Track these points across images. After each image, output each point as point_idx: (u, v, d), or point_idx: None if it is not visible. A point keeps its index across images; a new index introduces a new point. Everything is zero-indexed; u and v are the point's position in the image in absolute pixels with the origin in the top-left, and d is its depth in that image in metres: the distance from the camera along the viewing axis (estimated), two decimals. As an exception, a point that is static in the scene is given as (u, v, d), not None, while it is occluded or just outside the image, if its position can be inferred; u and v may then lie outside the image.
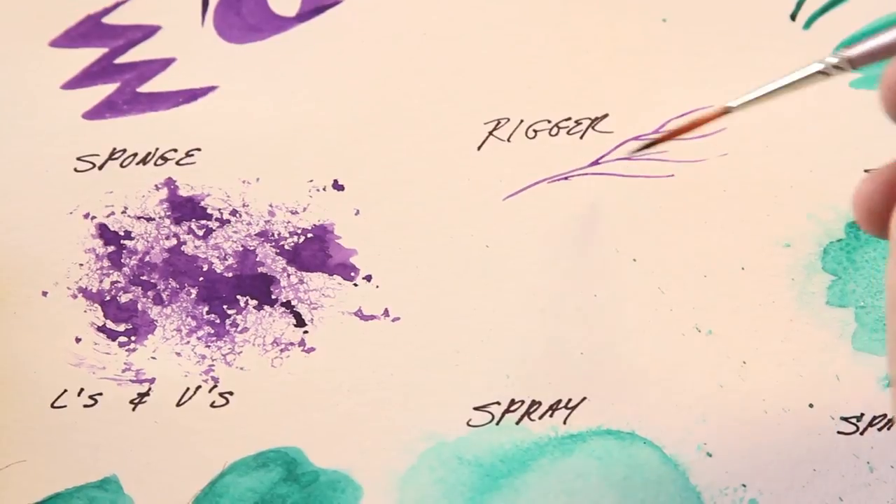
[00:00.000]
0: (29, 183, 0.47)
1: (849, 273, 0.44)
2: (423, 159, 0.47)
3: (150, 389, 0.44)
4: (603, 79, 0.48)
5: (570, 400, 0.43)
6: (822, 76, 0.37)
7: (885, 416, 0.42)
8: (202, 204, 0.47)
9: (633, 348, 0.43)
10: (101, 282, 0.46)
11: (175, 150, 0.48)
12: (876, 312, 0.43)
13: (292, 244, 0.46)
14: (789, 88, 0.39)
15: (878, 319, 0.43)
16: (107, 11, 0.51)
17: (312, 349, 0.44)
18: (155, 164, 0.48)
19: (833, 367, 0.42)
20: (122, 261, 0.46)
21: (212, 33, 0.50)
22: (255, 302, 0.45)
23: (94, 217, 0.47)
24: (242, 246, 0.46)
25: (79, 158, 0.48)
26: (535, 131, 0.47)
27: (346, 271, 0.45)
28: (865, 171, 0.45)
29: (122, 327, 0.45)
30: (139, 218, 0.47)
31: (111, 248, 0.46)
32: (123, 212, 0.47)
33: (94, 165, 0.48)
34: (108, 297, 0.45)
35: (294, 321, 0.45)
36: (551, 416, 0.42)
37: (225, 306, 0.45)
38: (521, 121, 0.48)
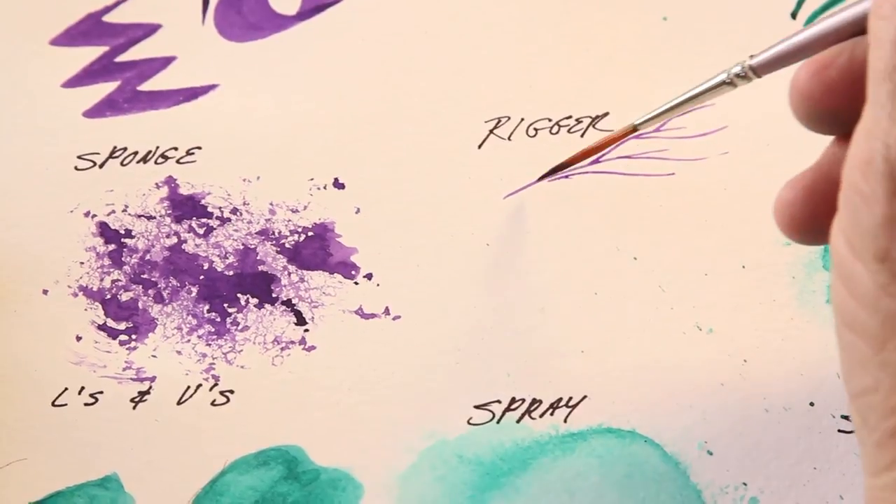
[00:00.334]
0: (29, 181, 0.47)
1: (849, 271, 0.44)
2: (423, 158, 0.47)
3: (150, 388, 0.44)
4: (604, 77, 0.48)
5: (570, 398, 0.43)
6: (728, 86, 0.37)
7: (885, 414, 0.42)
8: (203, 202, 0.47)
9: (634, 347, 0.43)
10: (101, 280, 0.46)
11: (175, 149, 0.48)
12: (877, 311, 0.43)
13: (293, 242, 0.46)
14: (695, 101, 0.39)
15: (878, 318, 0.43)
16: (107, 10, 0.51)
17: (313, 347, 0.44)
18: (155, 163, 0.48)
19: (834, 366, 0.42)
20: (123, 259, 0.46)
21: (212, 32, 0.50)
22: (255, 300, 0.45)
23: (94, 215, 0.47)
24: (243, 244, 0.46)
25: (79, 157, 0.48)
26: (536, 130, 0.47)
27: (347, 270, 0.45)
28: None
29: (122, 326, 0.45)
30: (140, 216, 0.47)
31: (112, 247, 0.46)
32: (124, 210, 0.47)
33: (95, 164, 0.48)
34: (108, 296, 0.45)
35: (295, 319, 0.45)
36: (552, 414, 0.42)
37: (225, 305, 0.45)
38: (522, 119, 0.48)
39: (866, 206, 0.27)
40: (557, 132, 0.47)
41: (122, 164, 0.48)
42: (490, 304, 0.44)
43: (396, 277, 0.45)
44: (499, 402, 0.43)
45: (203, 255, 0.46)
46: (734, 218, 0.45)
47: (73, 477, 0.42)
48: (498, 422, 0.42)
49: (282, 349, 0.44)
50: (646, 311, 0.44)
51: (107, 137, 0.48)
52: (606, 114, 0.47)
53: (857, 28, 0.32)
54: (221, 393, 0.43)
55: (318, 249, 0.46)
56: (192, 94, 0.49)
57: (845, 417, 0.42)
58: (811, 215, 0.36)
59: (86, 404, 0.43)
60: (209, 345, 0.44)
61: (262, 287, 0.45)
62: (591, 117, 0.47)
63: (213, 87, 0.49)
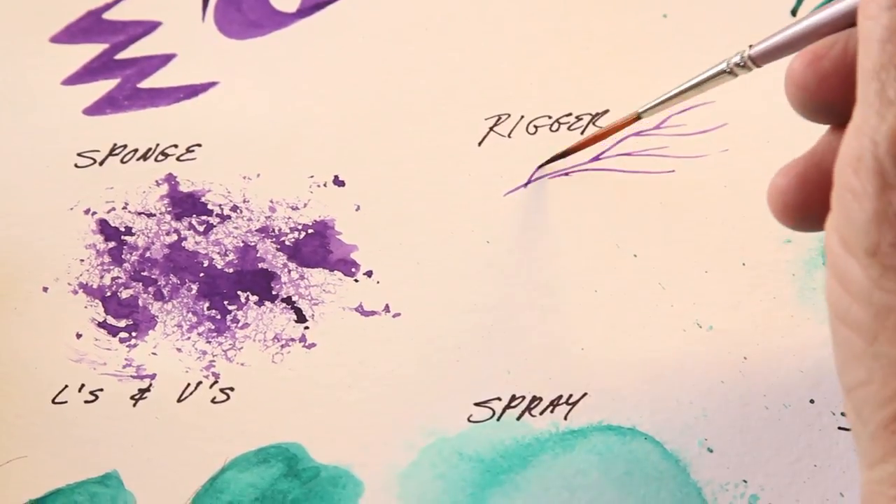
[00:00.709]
0: (29, 178, 0.47)
1: (850, 269, 0.44)
2: (423, 155, 0.47)
3: (150, 385, 0.44)
4: (604, 74, 0.48)
5: (570, 396, 0.43)
6: (728, 76, 0.38)
7: (885, 411, 0.42)
8: (203, 200, 0.47)
9: (634, 344, 0.43)
10: (101, 277, 0.46)
11: (175, 146, 0.48)
12: (877, 308, 0.43)
13: (293, 240, 0.46)
14: (696, 90, 0.39)
15: (878, 315, 0.43)
16: (107, 7, 0.51)
17: (313, 345, 0.44)
18: (155, 160, 0.48)
19: (834, 363, 0.42)
20: (123, 256, 0.46)
21: (212, 29, 0.50)
22: (255, 298, 0.45)
23: (94, 213, 0.47)
24: (243, 242, 0.46)
25: (79, 154, 0.48)
26: (536, 127, 0.47)
27: (347, 267, 0.45)
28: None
29: (122, 323, 0.45)
30: (140, 214, 0.47)
31: (112, 244, 0.46)
32: (124, 207, 0.47)
33: (95, 161, 0.48)
34: (108, 293, 0.45)
35: (295, 317, 0.45)
36: (552, 411, 0.42)
37: (226, 302, 0.45)
38: (522, 116, 0.48)
39: (857, 203, 0.28)
40: (557, 129, 0.47)
41: (122, 161, 0.48)
42: (490, 302, 0.44)
43: (396, 275, 0.45)
44: (499, 399, 0.43)
45: (203, 253, 0.46)
46: (734, 215, 0.45)
47: (73, 474, 0.42)
48: (498, 419, 0.42)
49: (282, 346, 0.44)
50: (646, 309, 0.44)
51: (107, 135, 0.48)
52: (606, 111, 0.47)
53: (852, 20, 0.33)
54: (221, 390, 0.43)
55: (318, 247, 0.46)
56: (192, 91, 0.49)
57: (845, 414, 0.42)
58: (804, 202, 0.36)
59: (86, 402, 0.43)
60: (209, 342, 0.44)
61: (262, 284, 0.45)
62: (591, 114, 0.47)
63: (213, 84, 0.49)
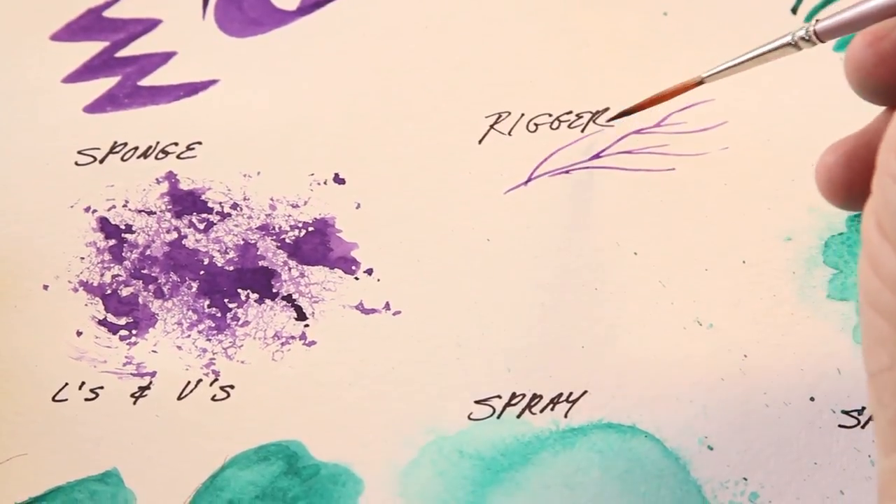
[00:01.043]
0: (30, 176, 0.47)
1: (850, 267, 0.44)
2: (424, 153, 0.47)
3: (150, 383, 0.44)
4: (604, 72, 0.48)
5: (571, 393, 0.43)
6: (792, 48, 0.38)
7: (886, 409, 0.42)
8: (203, 197, 0.47)
9: (634, 342, 0.43)
10: (101, 275, 0.46)
11: (176, 144, 0.48)
12: (877, 306, 0.43)
13: (293, 238, 0.46)
14: (760, 60, 0.39)
15: (879, 313, 0.43)
16: (108, 5, 0.51)
17: (313, 343, 0.44)
18: (156, 158, 0.48)
19: (834, 361, 0.42)
20: (123, 254, 0.46)
21: (213, 27, 0.50)
22: (255, 295, 0.45)
23: (94, 210, 0.47)
24: (243, 239, 0.46)
25: (80, 152, 0.48)
26: (536, 125, 0.47)
27: (347, 265, 0.45)
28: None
29: (123, 321, 0.45)
30: (140, 211, 0.47)
31: (112, 242, 0.46)
32: (124, 205, 0.47)
33: (95, 159, 0.48)
34: (108, 291, 0.45)
35: (295, 315, 0.45)
36: (552, 409, 0.42)
37: (226, 300, 0.45)
38: (522, 114, 0.48)
39: None
40: (558, 127, 0.47)
41: (122, 159, 0.48)
42: (490, 300, 0.44)
43: (397, 272, 0.45)
44: (499, 397, 0.43)
45: (203, 251, 0.46)
46: (734, 213, 0.45)
47: (73, 472, 0.42)
48: (498, 417, 0.42)
49: (282, 344, 0.44)
50: (646, 307, 0.44)
51: (107, 132, 0.48)
52: (607, 109, 0.47)
53: None
54: (222, 388, 0.43)
55: (318, 244, 0.46)
56: (192, 89, 0.49)
57: (846, 413, 0.42)
58: (850, 181, 0.36)
59: (86, 399, 0.43)
60: (209, 340, 0.44)
61: (262, 282, 0.45)
62: (591, 112, 0.47)
63: (213, 82, 0.49)
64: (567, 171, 0.46)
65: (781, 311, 0.43)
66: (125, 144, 0.48)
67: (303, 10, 0.50)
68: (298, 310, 0.45)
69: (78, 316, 0.45)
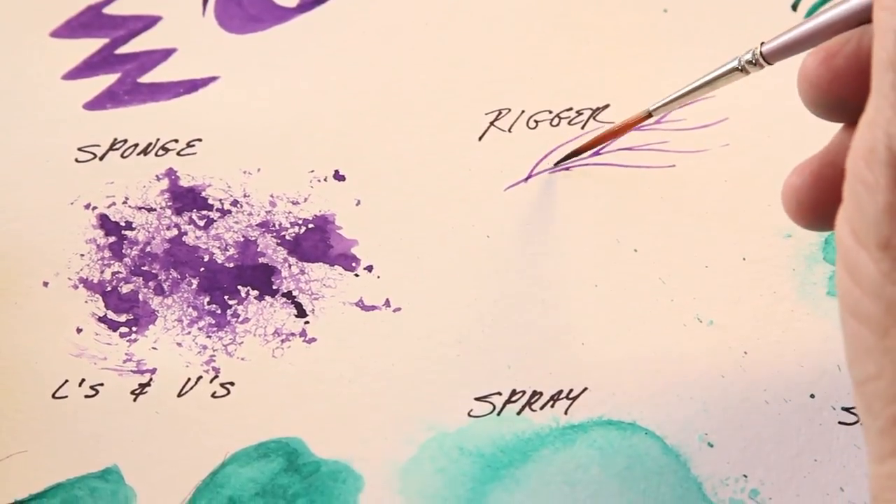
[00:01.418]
0: (30, 173, 0.47)
1: (850, 263, 0.44)
2: (424, 150, 0.47)
3: (151, 380, 0.43)
4: (604, 69, 0.48)
5: (571, 390, 0.43)
6: (739, 73, 0.38)
7: (886, 406, 0.42)
8: (203, 194, 0.47)
9: (635, 339, 0.43)
10: (102, 272, 0.46)
11: (176, 141, 0.48)
12: (877, 303, 0.43)
13: (293, 234, 0.46)
14: (707, 87, 0.39)
15: (879, 310, 0.43)
16: (108, 2, 0.51)
17: (313, 340, 0.44)
18: (156, 155, 0.48)
19: (834, 358, 0.42)
20: (123, 251, 0.46)
21: (213, 24, 0.50)
22: (256, 292, 0.45)
23: (94, 207, 0.47)
24: (243, 236, 0.46)
25: (80, 149, 0.48)
26: (537, 122, 0.47)
27: (348, 262, 0.45)
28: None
29: (123, 318, 0.45)
30: (140, 208, 0.47)
31: (112, 239, 0.46)
32: (124, 202, 0.47)
33: (95, 156, 0.48)
34: (109, 288, 0.45)
35: (295, 312, 0.45)
36: (552, 406, 0.42)
37: (226, 297, 0.45)
38: (523, 111, 0.47)
39: (869, 195, 0.28)
40: (558, 124, 0.47)
41: (122, 156, 0.48)
42: (490, 296, 0.44)
43: (397, 269, 0.45)
44: (499, 394, 0.43)
45: (203, 247, 0.46)
46: (735, 210, 0.45)
47: (73, 469, 0.42)
48: (498, 414, 0.42)
49: (282, 341, 0.44)
50: (646, 303, 0.44)
51: (107, 129, 0.48)
52: (607, 105, 0.47)
53: (865, 16, 0.33)
54: (222, 385, 0.43)
55: (318, 241, 0.46)
56: (192, 86, 0.49)
57: (846, 409, 0.42)
58: (818, 201, 0.36)
59: (86, 396, 0.43)
60: (209, 337, 0.44)
61: (262, 279, 0.45)
62: (591, 109, 0.47)
63: (213, 79, 0.49)
64: (567, 168, 0.46)
65: (782, 307, 0.43)
66: (125, 141, 0.48)
67: (303, 7, 0.50)
68: (298, 307, 0.45)
69: (78, 313, 0.45)
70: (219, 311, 0.45)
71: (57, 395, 0.43)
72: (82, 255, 0.46)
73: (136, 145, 0.48)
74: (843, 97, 0.33)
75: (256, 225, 0.46)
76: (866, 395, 0.29)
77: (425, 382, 0.43)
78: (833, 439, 0.41)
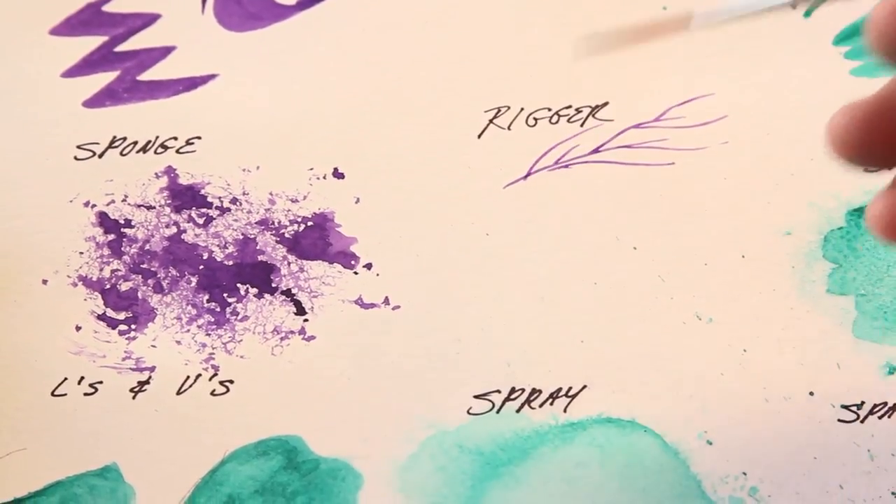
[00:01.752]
0: (29, 171, 0.47)
1: (849, 261, 0.44)
2: (423, 147, 0.47)
3: (150, 378, 0.44)
4: (603, 67, 0.48)
5: (570, 388, 0.43)
6: (789, 6, 0.37)
7: (885, 403, 0.42)
8: (202, 192, 0.47)
9: (634, 336, 0.43)
10: (101, 270, 0.46)
11: (175, 139, 0.48)
12: (876, 300, 0.43)
13: (292, 232, 0.46)
14: (755, 13, 0.38)
15: (878, 307, 0.43)
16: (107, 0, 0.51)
17: (313, 337, 0.44)
18: (155, 153, 0.48)
19: (834, 355, 0.42)
20: (123, 249, 0.46)
21: (212, 21, 0.50)
22: (255, 290, 0.45)
23: (94, 205, 0.47)
24: (242, 234, 0.46)
25: (79, 146, 0.48)
26: (536, 119, 0.47)
27: (347, 259, 0.45)
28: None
29: (122, 315, 0.45)
30: (139, 206, 0.47)
31: (111, 237, 0.46)
32: (123, 200, 0.47)
33: (95, 153, 0.48)
34: (108, 286, 0.45)
35: (294, 309, 0.45)
36: (552, 404, 0.42)
37: (225, 294, 0.45)
38: (522, 109, 0.47)
39: None
40: (557, 122, 0.47)
41: (121, 153, 0.48)
42: (490, 294, 0.44)
43: (396, 267, 0.45)
44: (498, 391, 0.43)
45: (203, 245, 0.46)
46: (734, 208, 0.45)
47: (72, 467, 0.42)
48: (498, 412, 0.42)
49: (281, 339, 0.44)
50: (646, 301, 0.44)
51: (106, 127, 0.48)
52: (606, 103, 0.47)
53: None
54: (221, 383, 0.43)
55: (317, 239, 0.46)
56: (191, 83, 0.49)
57: (845, 407, 0.42)
58: (868, 139, 0.35)
59: (85, 394, 0.43)
60: (209, 335, 0.44)
61: (261, 277, 0.45)
62: (590, 107, 0.47)
63: (212, 76, 0.49)
64: (567, 166, 0.46)
65: (781, 305, 0.43)
66: (124, 139, 0.48)
67: (302, 5, 0.50)
68: (298, 304, 0.45)
69: (77, 311, 0.45)
70: (218, 309, 0.45)
71: (56, 392, 0.43)
72: (81, 253, 0.46)
73: (136, 143, 0.48)
74: None
75: (255, 223, 0.46)
76: None
77: (424, 380, 0.43)
78: (832, 437, 0.41)
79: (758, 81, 0.46)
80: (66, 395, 0.43)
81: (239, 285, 0.45)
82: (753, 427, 0.41)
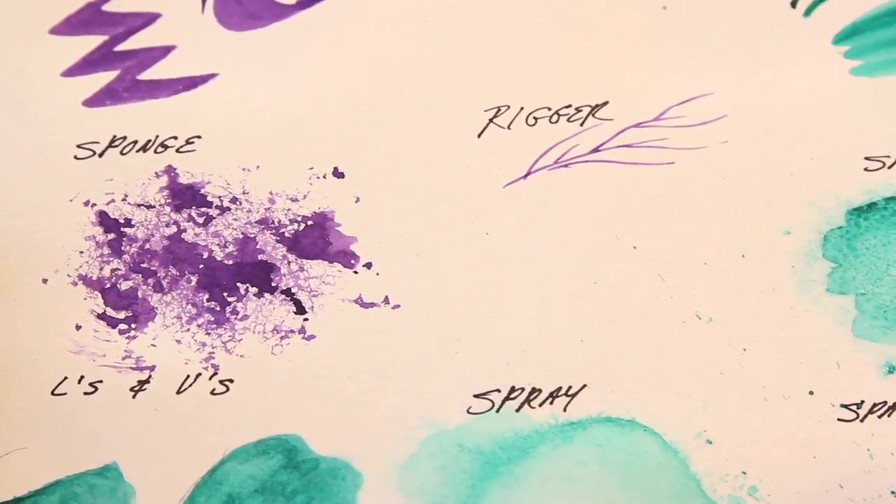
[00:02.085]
0: (29, 170, 0.47)
1: (849, 260, 0.44)
2: (423, 147, 0.47)
3: (150, 377, 0.44)
4: (603, 66, 0.48)
5: (570, 387, 0.43)
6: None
7: (885, 403, 0.42)
8: (202, 191, 0.47)
9: (634, 335, 0.43)
10: (101, 269, 0.46)
11: (175, 138, 0.48)
12: (876, 299, 0.43)
13: (292, 232, 0.46)
14: None
15: (878, 306, 0.43)
16: (107, -1, 0.51)
17: (312, 337, 0.44)
18: (155, 152, 0.48)
19: (833, 355, 0.42)
20: (123, 248, 0.46)
21: (212, 20, 0.50)
22: (255, 289, 0.45)
23: (94, 204, 0.47)
24: (242, 233, 0.46)
25: (79, 146, 0.48)
26: (536, 118, 0.47)
27: (347, 259, 0.45)
28: (866, 157, 0.45)
29: (122, 315, 0.45)
30: (139, 205, 0.47)
31: (111, 236, 0.46)
32: (123, 199, 0.47)
33: (94, 153, 0.48)
34: (108, 285, 0.45)
35: (294, 308, 0.45)
36: (551, 403, 0.42)
37: (225, 294, 0.45)
38: (522, 108, 0.47)
39: None
40: (557, 121, 0.47)
41: (121, 153, 0.48)
42: (489, 293, 0.44)
43: (396, 266, 0.45)
44: (498, 391, 0.43)
45: (202, 244, 0.46)
46: (734, 207, 0.45)
47: (72, 466, 0.42)
48: (497, 411, 0.42)
49: (281, 338, 0.44)
50: (645, 300, 0.44)
51: (106, 126, 0.48)
52: (606, 102, 0.47)
53: None
54: (221, 382, 0.43)
55: (317, 238, 0.46)
56: (191, 83, 0.49)
57: (845, 406, 0.42)
58: None
59: (85, 393, 0.43)
60: (209, 334, 0.44)
61: (261, 276, 0.45)
62: (590, 106, 0.47)
63: (212, 76, 0.49)
64: (566, 165, 0.46)
65: (781, 304, 0.43)
66: (124, 138, 0.48)
67: (302, 4, 0.50)
68: (297, 304, 0.45)
69: (77, 310, 0.45)
70: (218, 308, 0.45)
71: (56, 392, 0.43)
72: (81, 252, 0.46)
73: (136, 142, 0.48)
74: None
75: (255, 222, 0.46)
76: None
77: (424, 379, 0.43)
78: (832, 436, 0.41)
79: (757, 81, 0.46)
80: (65, 394, 0.43)
81: (239, 284, 0.45)
82: (753, 426, 0.41)
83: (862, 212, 0.44)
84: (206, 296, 0.45)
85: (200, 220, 0.46)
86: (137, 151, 0.48)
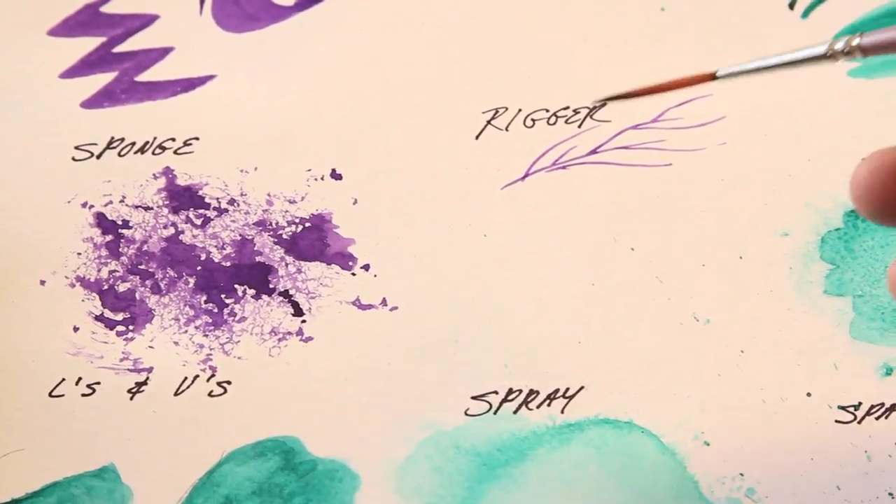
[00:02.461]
0: (27, 172, 0.47)
1: (847, 262, 0.44)
2: (421, 148, 0.47)
3: (147, 378, 0.44)
4: (601, 68, 0.48)
5: (567, 389, 0.43)
6: (825, 60, 0.36)
7: (882, 404, 0.42)
8: (200, 193, 0.47)
9: (631, 337, 0.43)
10: (98, 271, 0.46)
11: (173, 140, 0.48)
12: (874, 301, 0.43)
13: (290, 233, 0.46)
14: (786, 67, 0.38)
15: (875, 308, 0.43)
16: (105, 0, 0.51)
17: (310, 338, 0.44)
18: (153, 154, 0.48)
19: (831, 356, 0.42)
20: (120, 250, 0.46)
21: (210, 22, 0.50)
22: (252, 291, 0.45)
23: (92, 206, 0.47)
24: (240, 235, 0.46)
25: (77, 147, 0.48)
26: (534, 120, 0.47)
27: (344, 260, 0.45)
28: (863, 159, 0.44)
29: (119, 316, 0.45)
30: (137, 207, 0.47)
31: (109, 237, 0.46)
32: (121, 201, 0.47)
33: (92, 154, 0.48)
34: (105, 287, 0.45)
35: (292, 310, 0.45)
36: (549, 405, 0.42)
37: (223, 295, 0.45)
38: (520, 110, 0.47)
39: None
40: (555, 123, 0.47)
41: (119, 154, 0.48)
42: (487, 295, 0.44)
43: (393, 268, 0.45)
44: (496, 392, 0.43)
45: (200, 246, 0.46)
46: (731, 208, 0.45)
47: (70, 467, 0.42)
48: (495, 413, 0.42)
49: (279, 340, 0.44)
50: (643, 302, 0.44)
51: (104, 128, 0.48)
52: (603, 104, 0.47)
53: None
54: (218, 384, 0.43)
55: (315, 240, 0.46)
56: (189, 84, 0.49)
57: (842, 408, 0.42)
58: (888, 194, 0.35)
59: (83, 395, 0.43)
60: (206, 335, 0.44)
61: (259, 278, 0.45)
62: (588, 108, 0.47)
63: (210, 77, 0.49)
64: (564, 167, 0.46)
65: (778, 306, 0.43)
66: (122, 140, 0.48)
67: (300, 6, 0.50)
68: (295, 305, 0.45)
69: (75, 311, 0.45)
70: (215, 310, 0.45)
71: (54, 393, 0.43)
72: (79, 254, 0.46)
73: (133, 144, 0.48)
74: None
75: (253, 224, 0.46)
76: None
77: (422, 381, 0.43)
78: (830, 438, 0.41)
79: (755, 82, 0.46)
80: (63, 395, 0.43)
81: (236, 286, 0.45)
82: (751, 428, 0.41)
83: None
84: (204, 297, 0.45)
85: (198, 222, 0.46)
86: (135, 153, 0.48)
